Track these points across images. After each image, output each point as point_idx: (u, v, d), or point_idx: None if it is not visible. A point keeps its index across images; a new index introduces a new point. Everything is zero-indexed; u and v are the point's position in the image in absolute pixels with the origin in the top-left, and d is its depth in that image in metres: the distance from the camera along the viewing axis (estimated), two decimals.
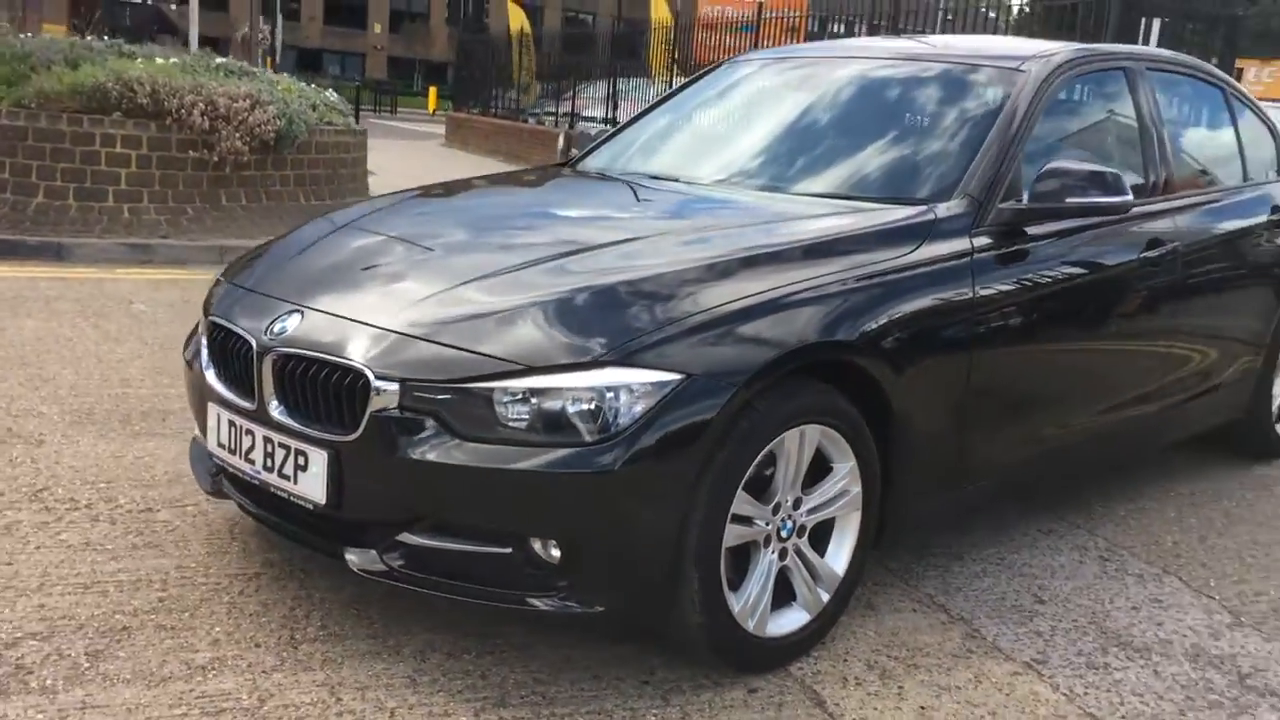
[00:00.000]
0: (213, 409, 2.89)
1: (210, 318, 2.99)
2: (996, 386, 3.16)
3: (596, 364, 2.42)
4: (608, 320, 2.52)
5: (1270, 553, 3.74)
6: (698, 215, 3.27)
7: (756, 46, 16.50)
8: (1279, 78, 47.36)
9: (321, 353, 2.60)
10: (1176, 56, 4.46)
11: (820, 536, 2.80)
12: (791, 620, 2.75)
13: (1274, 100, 21.47)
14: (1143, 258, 3.65)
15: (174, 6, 44.67)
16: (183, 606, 2.89)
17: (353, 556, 2.59)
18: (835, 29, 19.52)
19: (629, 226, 3.17)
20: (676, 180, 3.69)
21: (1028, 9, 13.84)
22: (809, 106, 3.83)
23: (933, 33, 15.16)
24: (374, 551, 2.58)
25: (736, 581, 2.62)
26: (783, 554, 2.71)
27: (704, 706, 2.55)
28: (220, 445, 2.87)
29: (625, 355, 2.43)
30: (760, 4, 17.59)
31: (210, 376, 2.93)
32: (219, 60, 9.68)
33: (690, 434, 2.41)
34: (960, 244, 3.07)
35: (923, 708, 2.61)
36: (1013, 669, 2.82)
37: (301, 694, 2.51)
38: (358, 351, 2.56)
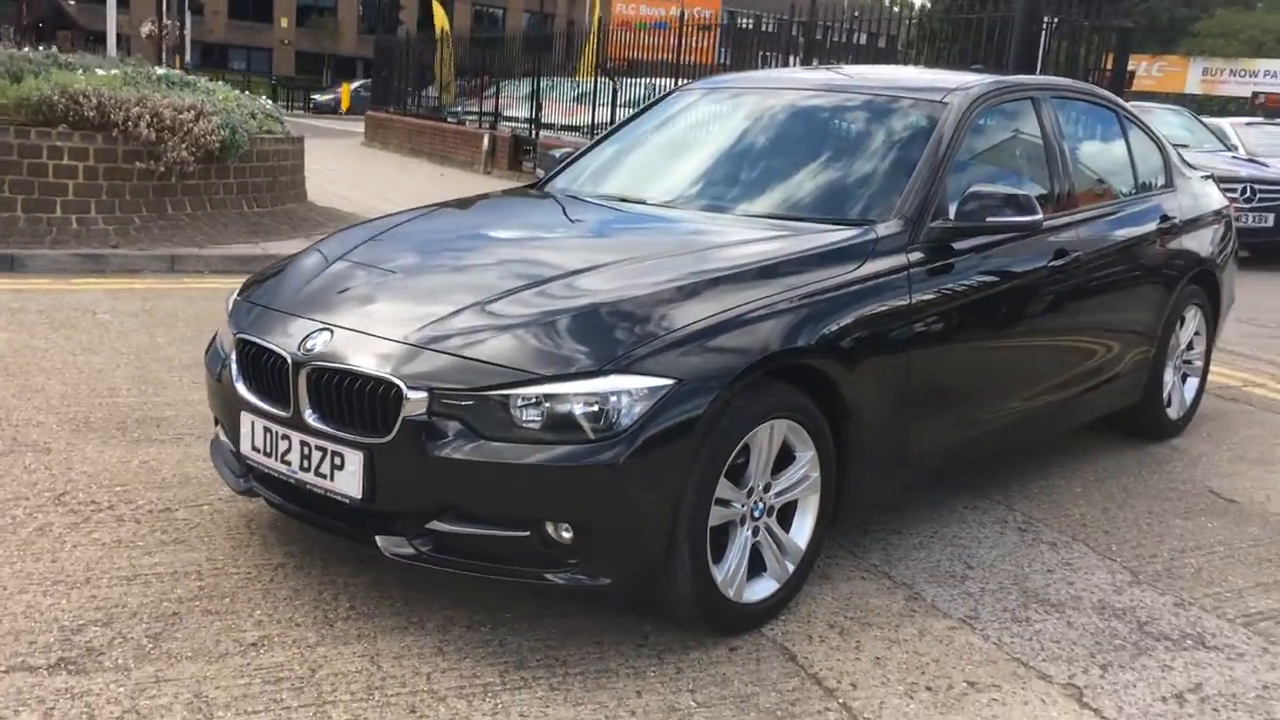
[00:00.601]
0: (246, 417, 3.24)
1: (240, 335, 3.33)
2: (931, 382, 3.64)
3: (601, 372, 2.83)
4: (609, 334, 2.93)
5: (1163, 520, 4.28)
6: (675, 237, 3.69)
7: (681, 46, 16.81)
8: (1168, 72, 48.99)
9: (354, 366, 2.97)
10: (1076, 84, 5.01)
11: (786, 516, 3.25)
12: (763, 588, 3.19)
13: (1165, 101, 22.52)
14: (1051, 266, 4.16)
15: (72, 2, 43.71)
16: (221, 594, 3.24)
17: (385, 543, 2.97)
18: (744, 23, 19.95)
19: (616, 249, 3.58)
20: (644, 203, 4.11)
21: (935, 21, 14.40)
22: (760, 134, 4.29)
23: (842, 31, 15.73)
24: (404, 538, 2.96)
25: (718, 556, 3.05)
26: (755, 531, 3.15)
27: (694, 663, 2.98)
28: (255, 449, 3.22)
29: (626, 364, 2.84)
30: (683, 11, 18.00)
31: (241, 388, 3.28)
32: (160, 71, 9.85)
33: (681, 430, 2.84)
34: (898, 260, 3.54)
35: (878, 658, 3.07)
36: (950, 624, 3.30)
37: (346, 664, 2.89)
38: (388, 365, 2.94)
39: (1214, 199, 5.63)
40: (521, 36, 21.68)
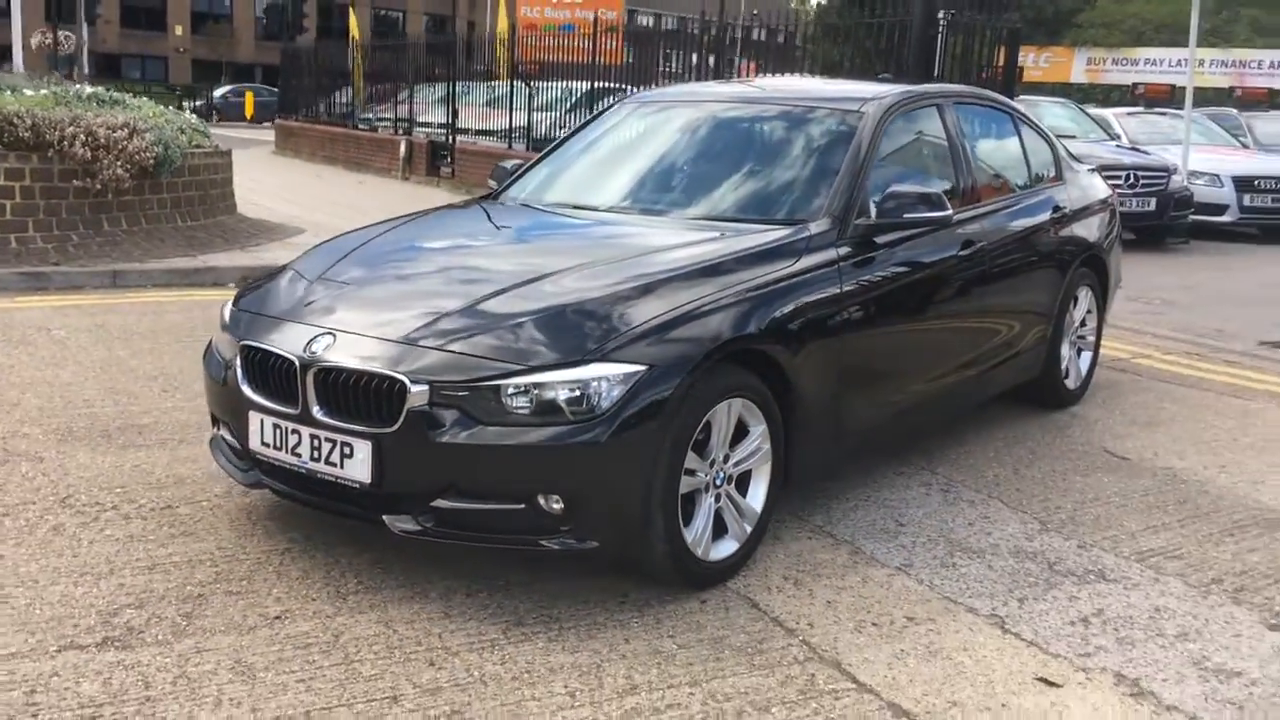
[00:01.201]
0: (254, 416, 3.59)
1: (244, 342, 3.66)
2: (862, 362, 4.11)
3: (582, 361, 3.24)
4: (586, 328, 3.34)
5: (1066, 478, 4.81)
6: (633, 240, 4.10)
7: (593, 49, 17.10)
8: (1054, 63, 50.60)
9: (359, 365, 3.34)
10: (975, 90, 5.55)
11: (743, 484, 3.69)
12: (726, 548, 3.62)
13: (1052, 92, 23.38)
14: (959, 255, 4.66)
15: None
16: (238, 577, 3.58)
17: (392, 521, 3.34)
18: (645, 21, 20.41)
19: (581, 252, 3.98)
20: (598, 210, 4.52)
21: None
22: (697, 145, 4.73)
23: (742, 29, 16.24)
24: (410, 516, 3.34)
25: (686, 520, 3.47)
26: (717, 498, 3.58)
27: (670, 614, 3.40)
28: (264, 444, 3.56)
29: (603, 354, 3.25)
30: (596, 15, 18.35)
31: (248, 390, 3.62)
32: (89, 90, 9.97)
33: (653, 410, 3.26)
34: (829, 254, 4.00)
35: (829, 602, 3.53)
36: (889, 572, 3.77)
37: (364, 630, 3.25)
38: (391, 363, 3.31)
39: (1099, 189, 6.22)
40: (439, 42, 21.83)
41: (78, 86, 10.60)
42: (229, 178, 10.76)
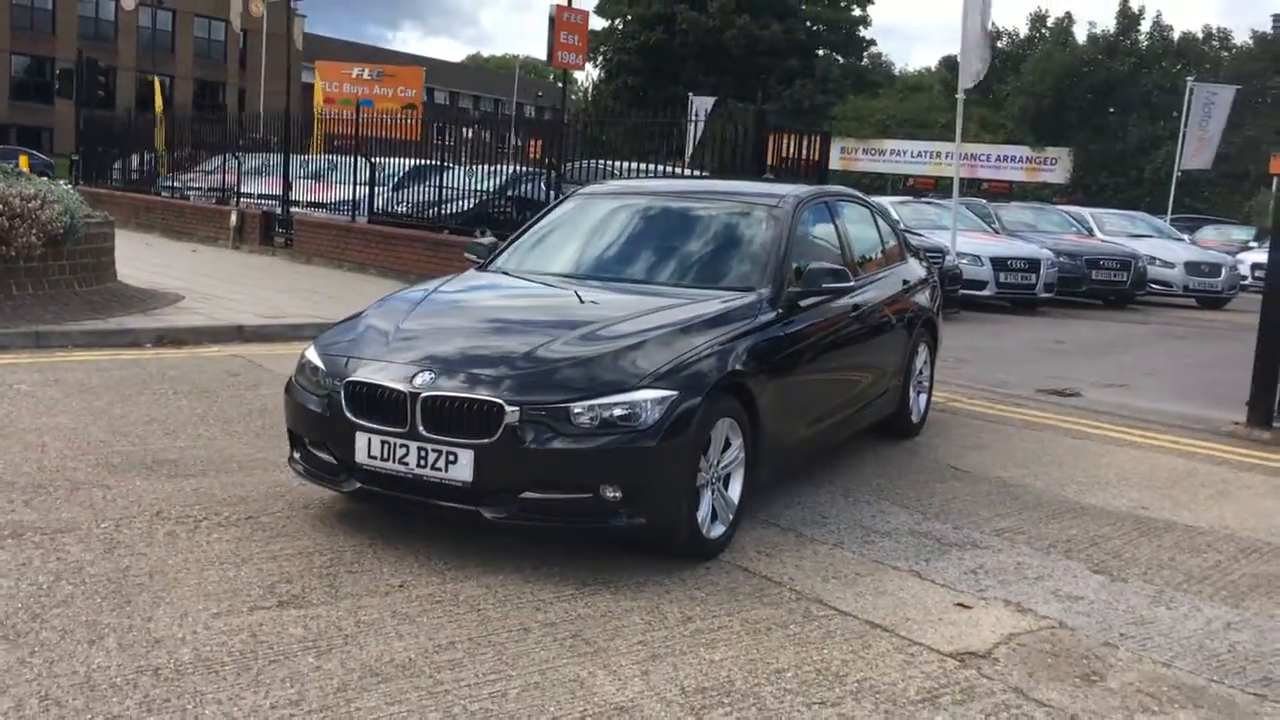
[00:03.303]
0: (360, 435, 4.61)
1: (349, 379, 4.68)
2: (793, 394, 5.45)
3: (634, 388, 4.46)
4: (631, 365, 4.56)
5: (929, 486, 6.28)
6: (636, 301, 5.30)
7: (397, 125, 18.06)
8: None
9: (463, 394, 4.44)
10: (847, 190, 7.12)
11: (726, 482, 4.95)
12: (718, 529, 4.86)
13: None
14: (851, 315, 6.12)
15: None
16: (347, 561, 4.57)
17: (488, 512, 4.44)
18: (442, 99, 21.63)
19: (600, 310, 5.18)
20: (593, 279, 5.74)
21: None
22: (658, 228, 6.05)
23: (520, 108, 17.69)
24: (503, 507, 4.44)
25: (696, 507, 4.71)
26: (713, 492, 4.83)
27: (690, 577, 4.61)
28: (371, 457, 4.59)
29: (647, 383, 4.48)
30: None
31: (353, 416, 4.64)
32: None
33: (684, 423, 4.50)
34: (774, 314, 5.35)
35: (796, 565, 4.82)
36: (828, 547, 5.10)
37: (473, 591, 4.31)
38: (488, 390, 4.43)
39: (927, 268, 7.88)
40: (254, 115, 22.30)
41: None
42: (112, 246, 11.29)
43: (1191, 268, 20.89)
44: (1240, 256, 26.59)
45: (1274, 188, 47.65)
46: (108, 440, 6.23)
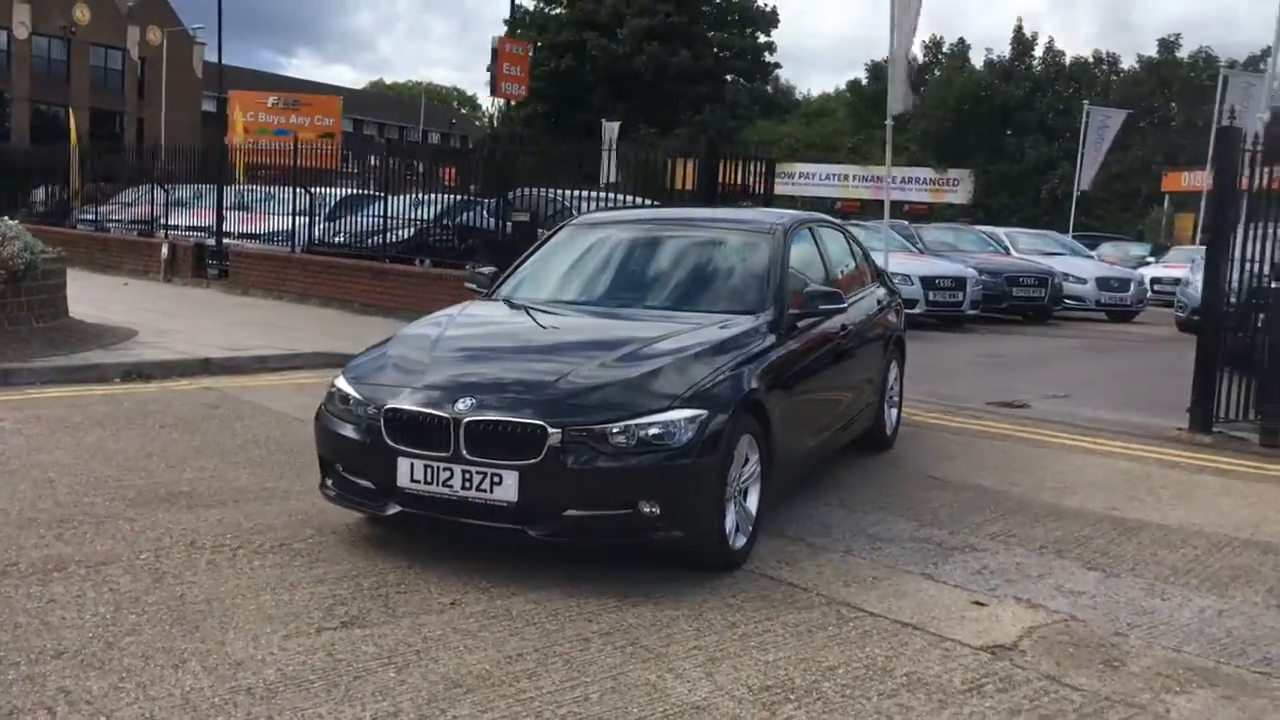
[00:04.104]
0: (402, 460, 4.77)
1: (388, 406, 4.85)
2: (797, 412, 5.74)
3: (668, 409, 4.70)
4: (663, 386, 4.80)
5: (916, 495, 6.60)
6: (661, 324, 5.53)
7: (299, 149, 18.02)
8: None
9: (507, 417, 4.64)
10: (826, 217, 7.47)
11: (746, 495, 5.20)
12: (740, 540, 5.11)
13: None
14: (840, 335, 6.45)
15: None
16: (393, 583, 4.72)
17: (532, 530, 4.64)
18: (346, 125, 21.73)
19: (621, 333, 5.41)
20: (605, 305, 5.99)
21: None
22: (663, 256, 6.31)
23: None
24: (547, 526, 4.64)
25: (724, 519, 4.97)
26: (735, 505, 5.09)
27: (718, 586, 4.85)
28: (414, 481, 4.75)
29: (679, 404, 4.73)
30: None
31: (392, 442, 4.80)
32: None
33: (713, 442, 4.75)
34: (775, 335, 5.64)
35: (817, 571, 5.09)
36: (839, 554, 5.38)
37: (524, 606, 4.50)
38: (531, 414, 4.63)
39: (893, 289, 8.26)
40: (182, 147, 22.08)
41: None
42: (65, 282, 11.21)
43: (1102, 283, 21.82)
44: (1140, 271, 27.72)
45: (1165, 205, 49.89)
46: (115, 475, 6.28)
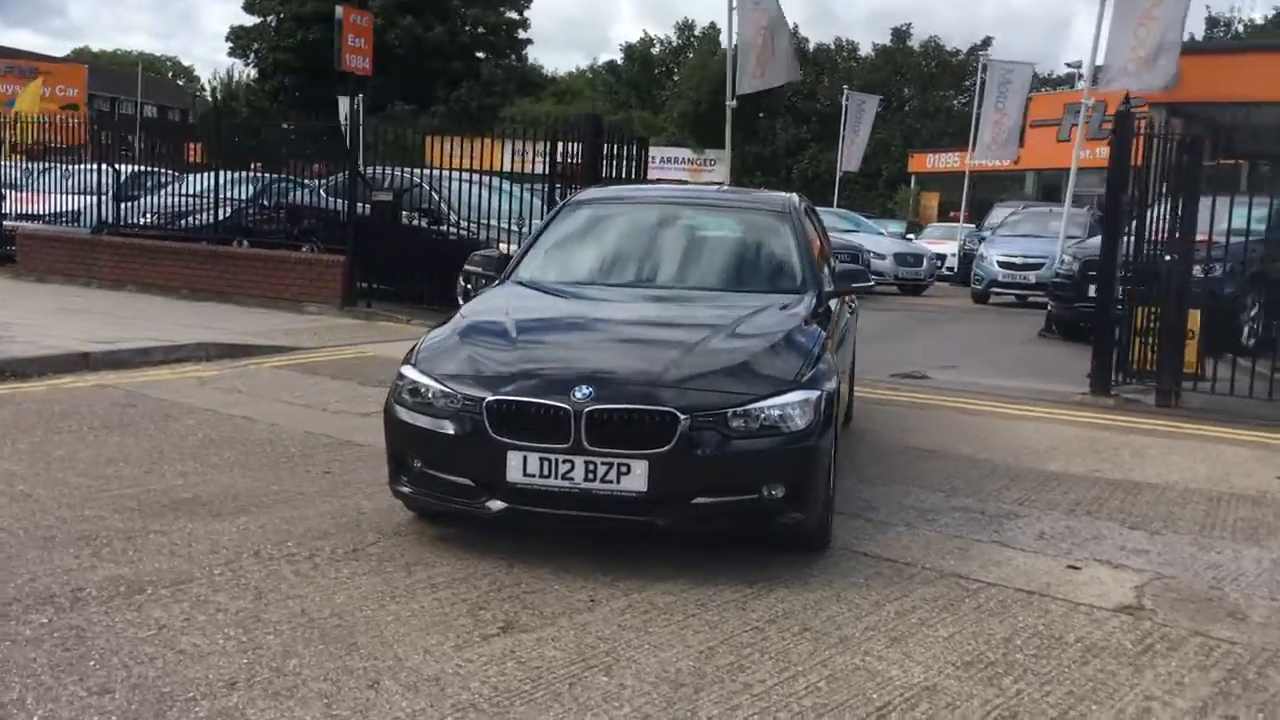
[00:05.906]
0: (513, 454, 4.50)
1: (490, 399, 4.55)
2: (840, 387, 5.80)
3: (788, 390, 4.64)
4: (779, 368, 4.74)
5: (915, 466, 6.73)
6: (726, 307, 5.44)
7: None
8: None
9: (634, 406, 4.45)
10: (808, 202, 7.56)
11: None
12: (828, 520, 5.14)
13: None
14: (850, 311, 6.54)
15: None
16: (506, 584, 4.43)
17: (660, 520, 4.48)
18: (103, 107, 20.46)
19: (700, 316, 5.29)
20: (670, 286, 5.89)
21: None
22: (692, 237, 6.22)
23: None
24: (673, 514, 4.50)
25: None
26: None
27: (826, 566, 4.82)
28: (528, 475, 4.49)
29: (797, 385, 4.68)
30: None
31: (500, 437, 4.51)
32: None
33: (827, 421, 4.73)
34: (821, 309, 5.67)
35: (904, 546, 5.14)
36: (904, 529, 5.43)
37: (665, 600, 4.33)
38: (659, 401, 4.47)
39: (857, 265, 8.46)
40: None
41: None
42: None
43: (900, 259, 23.03)
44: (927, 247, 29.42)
45: (911, 185, 53.02)
46: (92, 483, 5.63)
